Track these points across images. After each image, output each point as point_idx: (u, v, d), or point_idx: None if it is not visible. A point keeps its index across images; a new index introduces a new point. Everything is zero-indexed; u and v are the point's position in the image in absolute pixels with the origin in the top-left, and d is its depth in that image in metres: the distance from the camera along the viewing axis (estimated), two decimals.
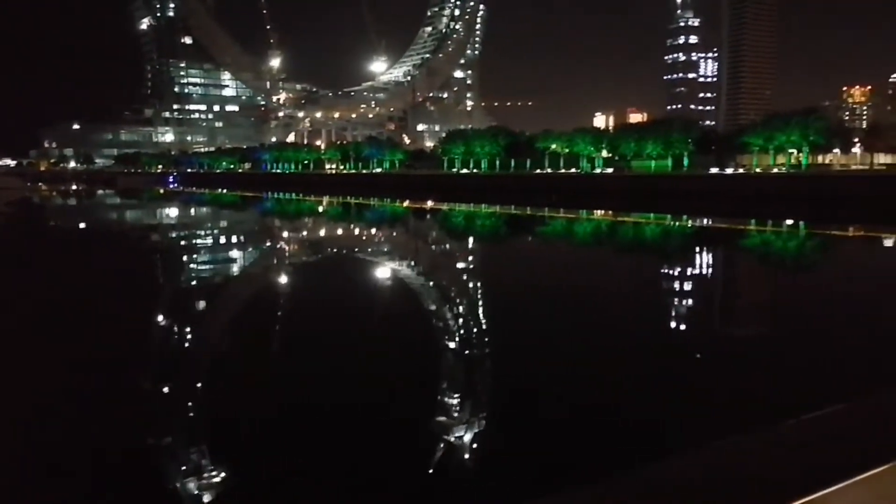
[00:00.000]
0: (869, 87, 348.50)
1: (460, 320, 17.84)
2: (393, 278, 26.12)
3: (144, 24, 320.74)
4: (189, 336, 16.89)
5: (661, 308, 19.93)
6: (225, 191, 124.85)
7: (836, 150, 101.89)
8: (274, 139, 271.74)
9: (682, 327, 17.89)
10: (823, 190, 68.43)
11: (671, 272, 28.03)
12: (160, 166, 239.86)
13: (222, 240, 42.33)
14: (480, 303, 20.83)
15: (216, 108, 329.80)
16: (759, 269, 30.52)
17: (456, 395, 11.50)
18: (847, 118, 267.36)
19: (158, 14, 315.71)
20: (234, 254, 34.86)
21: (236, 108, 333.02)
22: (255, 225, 55.93)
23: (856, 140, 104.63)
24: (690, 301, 21.65)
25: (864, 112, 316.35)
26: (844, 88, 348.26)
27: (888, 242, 38.86)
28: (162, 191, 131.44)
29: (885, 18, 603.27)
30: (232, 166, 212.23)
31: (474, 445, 9.63)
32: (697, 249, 38.29)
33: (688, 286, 24.59)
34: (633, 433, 9.86)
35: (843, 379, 12.32)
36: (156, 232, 49.62)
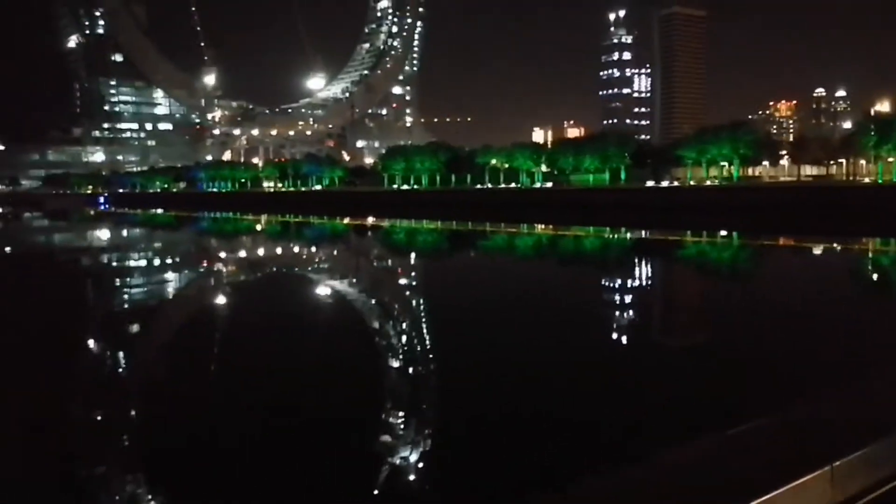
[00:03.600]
0: (794, 102, 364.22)
1: (407, 336, 17.52)
2: (338, 297, 25.58)
3: (72, 41, 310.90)
4: (125, 362, 16.08)
5: (604, 318, 20.02)
6: (159, 211, 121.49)
7: (766, 163, 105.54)
8: (210, 157, 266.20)
9: (627, 337, 17.95)
10: (756, 201, 70.61)
11: (611, 283, 28.30)
12: (90, 187, 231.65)
13: (157, 261, 40.89)
14: (426, 317, 20.52)
15: (148, 126, 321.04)
16: (697, 279, 31.16)
17: (407, 415, 11.21)
18: (774, 131, 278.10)
19: (87, 31, 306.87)
20: (171, 275, 33.68)
21: (170, 127, 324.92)
22: (192, 245, 54.35)
23: (783, 153, 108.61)
24: (630, 311, 21.83)
25: (791, 125, 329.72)
26: (771, 103, 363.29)
27: (816, 251, 40.26)
28: (92, 212, 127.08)
29: (807, 35, 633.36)
30: (166, 186, 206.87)
31: (431, 465, 9.38)
32: (637, 260, 38.88)
33: (627, 297, 24.83)
34: (596, 444, 9.74)
35: (778, 385, 12.47)
36: (87, 254, 47.68)
